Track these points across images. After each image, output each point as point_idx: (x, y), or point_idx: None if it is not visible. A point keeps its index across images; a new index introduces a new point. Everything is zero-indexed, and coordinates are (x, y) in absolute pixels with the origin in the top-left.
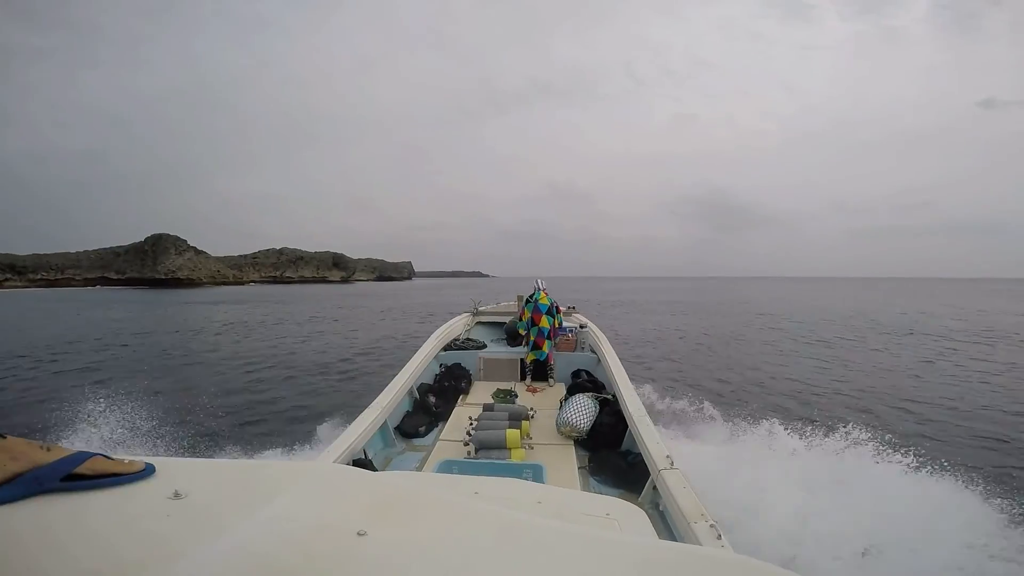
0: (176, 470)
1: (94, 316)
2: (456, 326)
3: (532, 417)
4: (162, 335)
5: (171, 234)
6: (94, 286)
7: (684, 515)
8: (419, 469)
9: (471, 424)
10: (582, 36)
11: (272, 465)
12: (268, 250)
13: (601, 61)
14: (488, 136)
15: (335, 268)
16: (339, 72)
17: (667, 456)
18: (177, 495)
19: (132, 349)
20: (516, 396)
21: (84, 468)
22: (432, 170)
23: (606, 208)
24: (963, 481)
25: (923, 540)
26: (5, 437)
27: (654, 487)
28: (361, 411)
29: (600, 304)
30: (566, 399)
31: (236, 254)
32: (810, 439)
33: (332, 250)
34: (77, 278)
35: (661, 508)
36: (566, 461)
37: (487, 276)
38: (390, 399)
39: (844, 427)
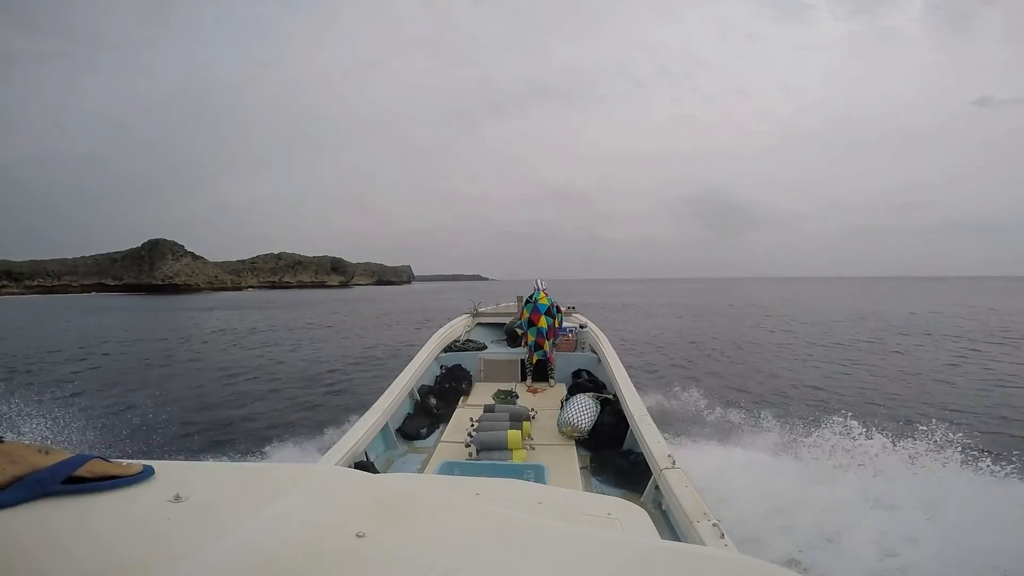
0: (177, 473)
1: (83, 324)
2: (456, 327)
3: (533, 418)
4: (147, 343)
5: (168, 239)
6: (91, 292)
7: (687, 514)
8: (421, 471)
9: (472, 425)
10: (580, 38)
11: (273, 468)
12: (266, 255)
13: (599, 62)
14: (487, 138)
15: (334, 273)
16: (338, 76)
17: (668, 455)
18: (178, 498)
19: (112, 359)
20: (517, 397)
21: (84, 471)
22: (432, 173)
23: (605, 209)
24: None
25: None
26: (2, 441)
27: (656, 486)
28: (362, 413)
29: (604, 307)
30: (567, 399)
31: (234, 259)
32: (858, 452)
33: (331, 254)
34: (74, 284)
35: (664, 507)
36: (568, 461)
37: (487, 279)
38: (391, 401)
39: (889, 436)
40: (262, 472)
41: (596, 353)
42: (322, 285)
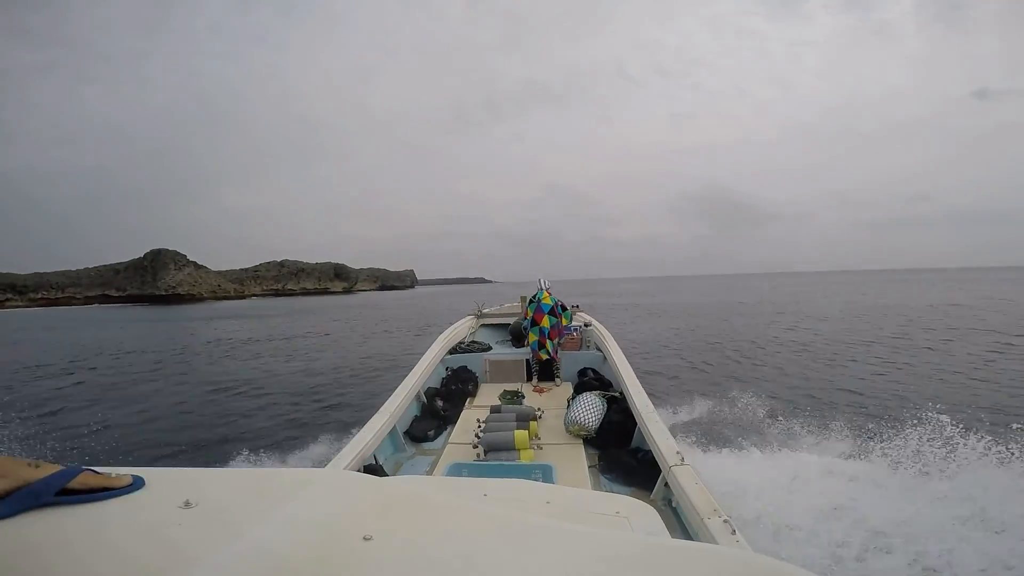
0: (187, 479)
1: (79, 337)
2: (461, 329)
3: (540, 417)
4: (139, 356)
5: (170, 249)
6: (94, 304)
7: (697, 511)
8: (429, 473)
9: (479, 426)
10: (577, 39)
11: (282, 473)
12: (269, 263)
13: (597, 63)
14: (488, 140)
15: (337, 279)
16: (338, 82)
17: (677, 452)
18: (188, 504)
19: (99, 373)
20: (523, 397)
21: (75, 483)
22: (433, 177)
23: (607, 209)
24: None
25: None
26: None
27: (665, 484)
28: (370, 417)
29: (613, 307)
30: (573, 398)
31: (238, 267)
32: (931, 462)
33: (334, 260)
34: (78, 296)
35: (674, 505)
36: (576, 460)
37: (490, 281)
38: (398, 404)
39: (976, 440)
40: (271, 477)
41: (602, 351)
42: (325, 292)
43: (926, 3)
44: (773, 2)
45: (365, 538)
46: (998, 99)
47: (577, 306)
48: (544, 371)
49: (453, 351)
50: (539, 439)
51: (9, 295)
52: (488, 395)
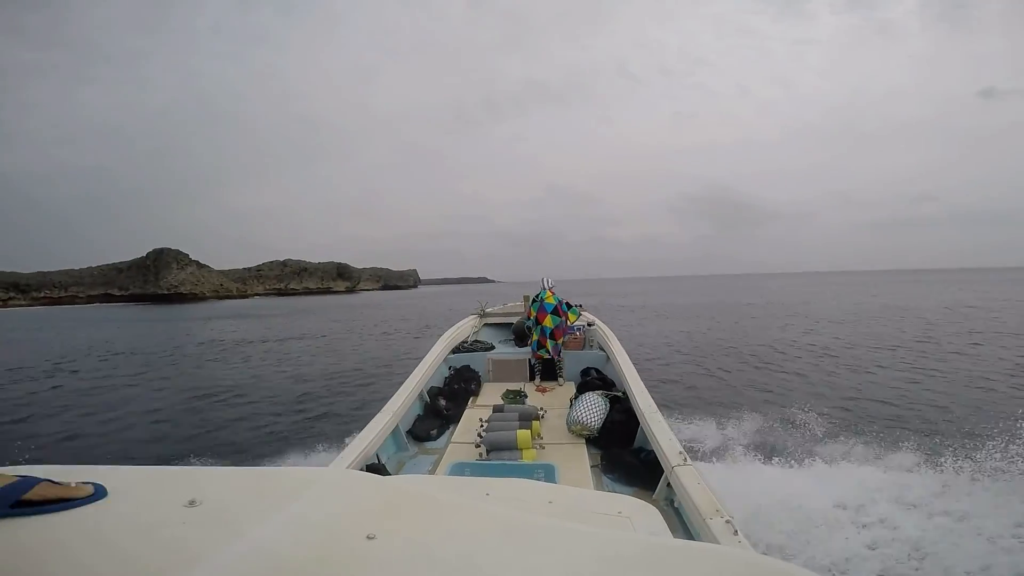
0: (192, 478)
1: (74, 336)
2: (464, 328)
3: (542, 417)
4: (126, 358)
5: (172, 248)
6: (96, 303)
7: (699, 511)
8: (432, 472)
9: (482, 426)
10: (578, 39)
11: (286, 472)
12: (272, 262)
13: (599, 63)
14: (490, 140)
15: (340, 278)
16: (339, 82)
17: (680, 452)
18: (193, 503)
19: (81, 376)
20: (526, 396)
21: (32, 495)
22: (436, 176)
23: (608, 208)
24: None
25: None
26: None
27: (668, 484)
28: (373, 416)
29: (620, 308)
30: (576, 398)
31: (240, 267)
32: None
33: (337, 260)
34: (80, 295)
35: (676, 505)
36: (578, 460)
37: (493, 281)
38: (401, 403)
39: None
40: (275, 476)
41: (605, 351)
42: (328, 291)
43: (930, 2)
44: (777, 1)
45: (369, 537)
46: (1004, 98)
47: (580, 306)
48: (547, 371)
49: (456, 350)
50: (541, 439)
51: (12, 294)
52: (491, 394)
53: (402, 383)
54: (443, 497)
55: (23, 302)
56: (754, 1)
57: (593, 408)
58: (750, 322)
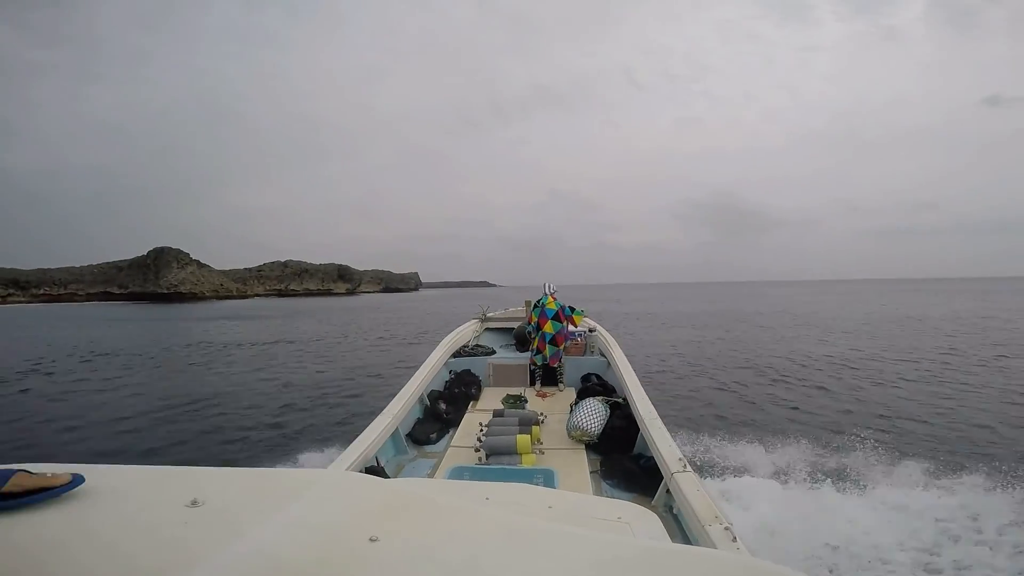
0: (193, 478)
1: (63, 334)
2: (465, 333)
3: (542, 422)
4: (109, 359)
5: (173, 247)
6: (96, 301)
7: (698, 518)
8: (431, 475)
9: (482, 430)
10: (584, 44)
11: (286, 473)
12: (273, 263)
13: (604, 68)
14: (493, 144)
15: (340, 280)
16: (343, 83)
17: (680, 459)
18: (195, 503)
19: (54, 379)
20: (526, 401)
21: (10, 486)
22: (438, 179)
23: (610, 214)
24: None
25: None
26: None
27: (667, 490)
28: (373, 419)
29: (626, 315)
30: (576, 403)
31: (241, 267)
32: None
33: (337, 262)
34: (80, 293)
35: (675, 511)
36: (578, 465)
37: (494, 285)
38: (401, 406)
39: None
40: (276, 477)
41: (605, 357)
42: (328, 293)
43: (936, 9)
44: (782, 8)
45: (370, 539)
46: (1010, 106)
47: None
48: (547, 376)
49: (457, 354)
50: (541, 444)
51: (12, 290)
52: (491, 399)
53: (402, 386)
54: (445, 500)
55: (22, 299)
56: (760, 7)
57: (593, 414)
58: (760, 332)
